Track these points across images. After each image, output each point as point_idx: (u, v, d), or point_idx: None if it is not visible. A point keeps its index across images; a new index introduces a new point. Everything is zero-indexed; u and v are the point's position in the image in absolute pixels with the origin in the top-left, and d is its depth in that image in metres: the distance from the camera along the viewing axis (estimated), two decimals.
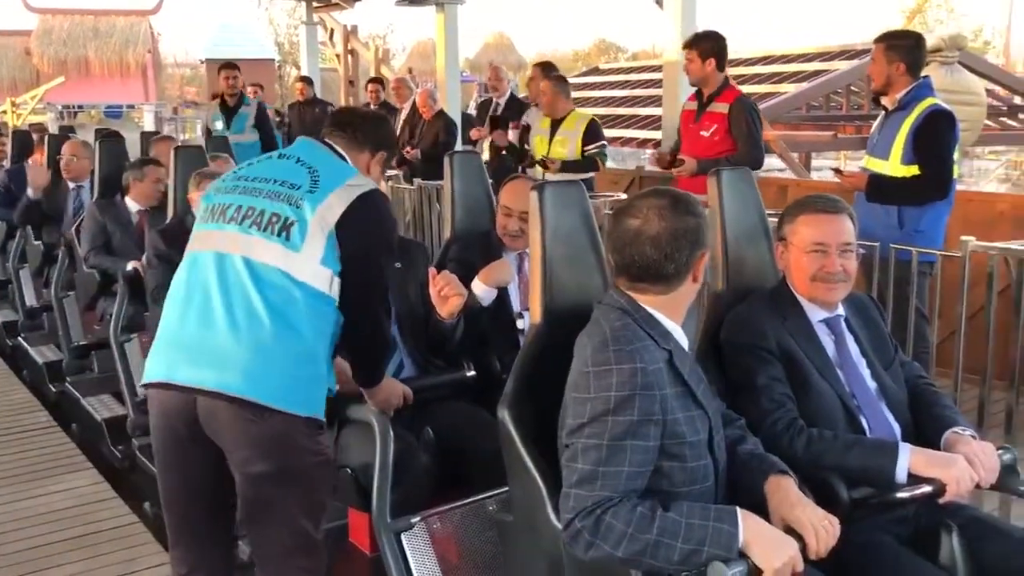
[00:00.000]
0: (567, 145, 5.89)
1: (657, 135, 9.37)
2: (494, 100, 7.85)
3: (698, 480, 1.90)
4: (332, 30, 16.62)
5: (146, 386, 2.28)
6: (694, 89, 5.23)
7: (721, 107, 4.95)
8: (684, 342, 1.98)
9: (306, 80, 10.55)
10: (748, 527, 1.73)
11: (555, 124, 5.99)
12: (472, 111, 9.52)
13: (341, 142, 2.48)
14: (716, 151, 4.90)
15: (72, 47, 22.80)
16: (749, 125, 4.91)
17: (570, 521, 1.79)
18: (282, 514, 2.24)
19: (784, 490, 1.88)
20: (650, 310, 1.92)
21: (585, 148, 5.86)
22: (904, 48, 4.06)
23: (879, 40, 4.16)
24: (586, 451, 1.80)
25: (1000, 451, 2.14)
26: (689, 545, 1.71)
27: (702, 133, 4.98)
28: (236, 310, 2.15)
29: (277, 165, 2.39)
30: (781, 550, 1.72)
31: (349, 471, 2.65)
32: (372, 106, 8.88)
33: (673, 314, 1.96)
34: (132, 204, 5.03)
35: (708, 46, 4.98)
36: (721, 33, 5.09)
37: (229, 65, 8.19)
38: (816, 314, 2.33)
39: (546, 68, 6.84)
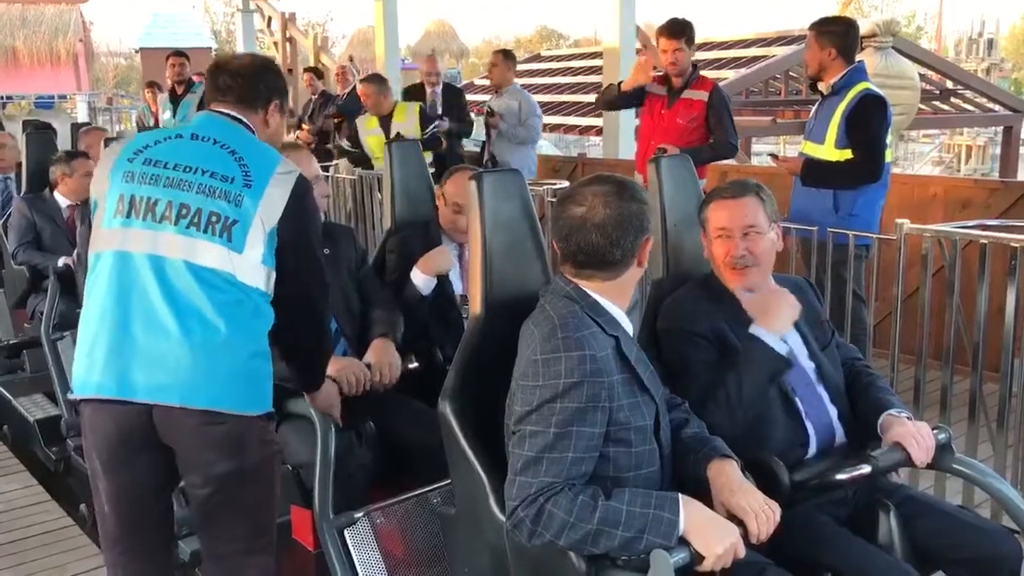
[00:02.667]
0: (408, 134, 6.20)
1: (599, 122, 9.38)
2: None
3: (643, 465, 1.90)
4: (269, 18, 16.36)
5: (91, 400, 2.13)
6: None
7: (699, 95, 4.90)
8: (629, 328, 1.98)
9: None
10: (689, 514, 1.74)
11: (385, 120, 6.39)
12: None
13: (233, 108, 2.29)
14: (693, 138, 4.87)
15: None
16: (729, 113, 4.94)
17: (514, 509, 1.80)
18: (243, 512, 2.20)
19: (726, 475, 1.89)
20: (596, 297, 1.92)
21: (424, 132, 6.26)
22: (836, 34, 4.09)
23: (812, 27, 4.19)
24: (532, 436, 1.80)
25: (935, 430, 2.18)
26: (629, 533, 1.72)
27: (678, 120, 4.91)
28: (188, 318, 2.06)
29: (196, 149, 2.18)
30: (722, 536, 1.73)
31: (290, 468, 2.60)
32: (312, 96, 8.73)
33: (619, 299, 1.96)
34: (62, 199, 4.88)
35: (691, 34, 4.94)
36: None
37: (177, 53, 7.92)
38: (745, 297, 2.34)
39: (507, 56, 7.03)
